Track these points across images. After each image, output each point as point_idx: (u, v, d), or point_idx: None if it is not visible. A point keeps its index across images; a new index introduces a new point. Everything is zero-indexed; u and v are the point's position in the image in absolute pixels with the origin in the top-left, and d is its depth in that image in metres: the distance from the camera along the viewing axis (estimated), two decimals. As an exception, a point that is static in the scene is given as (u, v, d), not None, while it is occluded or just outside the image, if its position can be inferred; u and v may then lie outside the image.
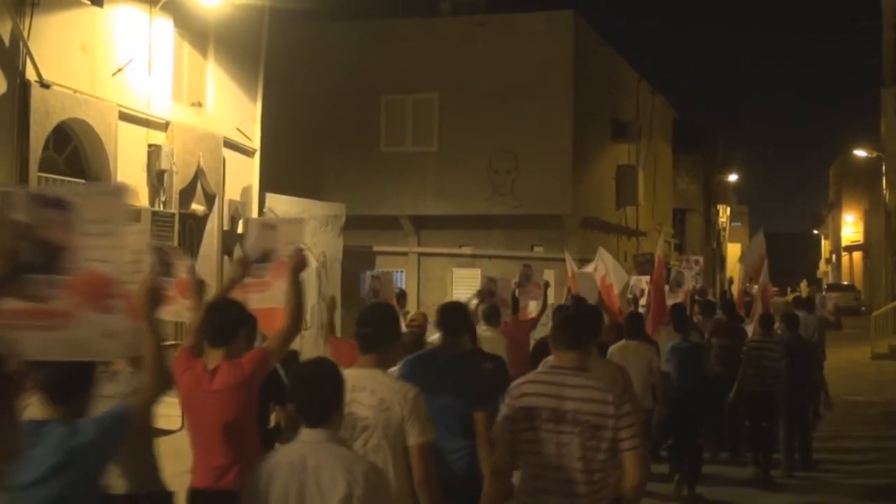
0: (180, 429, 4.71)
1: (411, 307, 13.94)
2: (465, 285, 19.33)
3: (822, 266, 70.55)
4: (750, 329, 11.14)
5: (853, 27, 78.47)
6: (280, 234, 5.72)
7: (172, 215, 12.56)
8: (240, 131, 15.35)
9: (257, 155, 15.99)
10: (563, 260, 13.78)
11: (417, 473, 4.04)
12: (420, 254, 20.93)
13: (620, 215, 24.11)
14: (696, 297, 13.16)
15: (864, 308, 38.59)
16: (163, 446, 4.78)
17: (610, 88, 23.37)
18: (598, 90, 21.85)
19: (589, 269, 12.56)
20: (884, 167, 31.67)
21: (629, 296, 12.50)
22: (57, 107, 11.01)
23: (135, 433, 3.54)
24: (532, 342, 9.65)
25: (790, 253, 64.26)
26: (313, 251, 14.02)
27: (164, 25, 13.11)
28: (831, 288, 42.88)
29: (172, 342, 8.34)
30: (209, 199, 14.29)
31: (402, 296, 11.46)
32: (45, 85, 10.75)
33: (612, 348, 8.23)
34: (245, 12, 14.71)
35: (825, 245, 70.28)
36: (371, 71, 20.44)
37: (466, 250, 20.67)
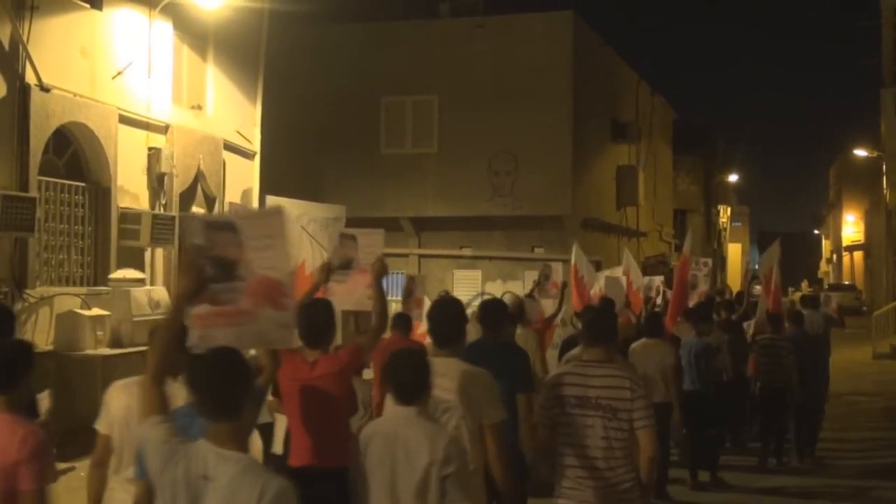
0: None
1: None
2: (465, 287, 19.34)
3: (823, 266, 70.52)
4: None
5: (852, 27, 78.53)
6: (360, 243, 6.51)
7: (173, 218, 12.54)
8: (240, 134, 15.34)
9: (257, 157, 15.97)
10: (563, 260, 13.78)
11: (491, 449, 4.46)
12: (420, 255, 20.91)
13: (621, 216, 24.12)
14: (717, 299, 13.46)
15: (865, 308, 38.59)
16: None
17: (609, 89, 23.36)
18: (597, 91, 21.85)
19: (617, 272, 12.85)
20: (884, 167, 31.63)
21: (643, 296, 12.70)
22: (57, 110, 11.00)
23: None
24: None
25: (791, 253, 63.73)
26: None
27: (163, 28, 13.10)
28: (832, 288, 42.82)
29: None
30: (209, 202, 14.29)
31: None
32: (44, 88, 10.74)
33: (633, 346, 8.79)
34: (244, 15, 14.69)
35: (826, 245, 70.27)
36: (370, 73, 20.45)
37: (467, 252, 20.67)
